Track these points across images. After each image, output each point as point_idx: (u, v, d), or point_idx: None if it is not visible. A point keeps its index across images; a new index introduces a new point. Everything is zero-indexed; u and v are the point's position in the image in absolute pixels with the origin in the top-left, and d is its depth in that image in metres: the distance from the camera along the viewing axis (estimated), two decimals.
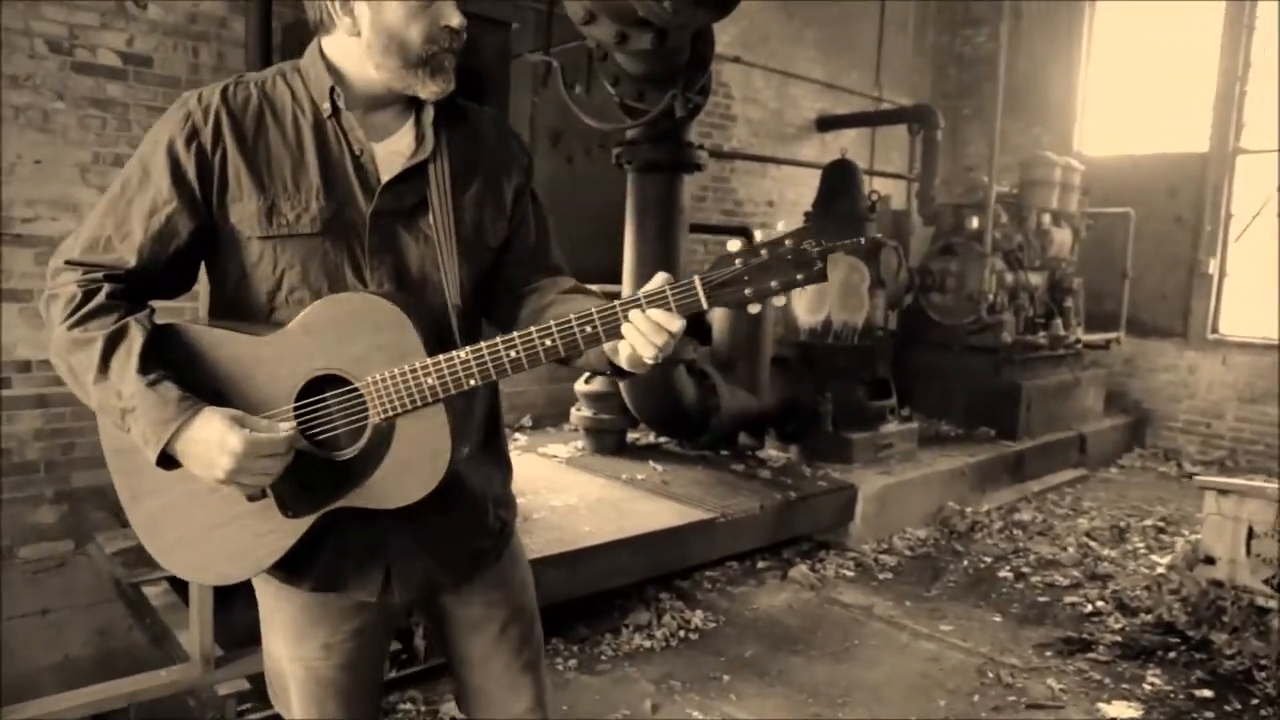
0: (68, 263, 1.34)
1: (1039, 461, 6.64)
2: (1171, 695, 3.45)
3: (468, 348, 1.29)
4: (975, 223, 6.95)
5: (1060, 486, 6.54)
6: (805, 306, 5.95)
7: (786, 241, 1.22)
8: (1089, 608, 4.29)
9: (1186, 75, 7.87)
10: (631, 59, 3.22)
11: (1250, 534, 4.07)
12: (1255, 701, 3.43)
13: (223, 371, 1.33)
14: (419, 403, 1.30)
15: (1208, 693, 3.47)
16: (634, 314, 1.25)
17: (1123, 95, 8.43)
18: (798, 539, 4.93)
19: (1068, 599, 4.40)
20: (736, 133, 7.51)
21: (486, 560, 1.58)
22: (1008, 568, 4.82)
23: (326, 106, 1.39)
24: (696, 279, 1.24)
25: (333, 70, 1.40)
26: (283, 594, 1.50)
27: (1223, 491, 4.22)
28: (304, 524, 1.36)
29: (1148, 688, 3.51)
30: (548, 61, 3.50)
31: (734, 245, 1.24)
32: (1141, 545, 5.26)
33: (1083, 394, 7.46)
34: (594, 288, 1.55)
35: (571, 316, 1.27)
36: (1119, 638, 3.93)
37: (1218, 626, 3.95)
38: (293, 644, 1.53)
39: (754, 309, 1.25)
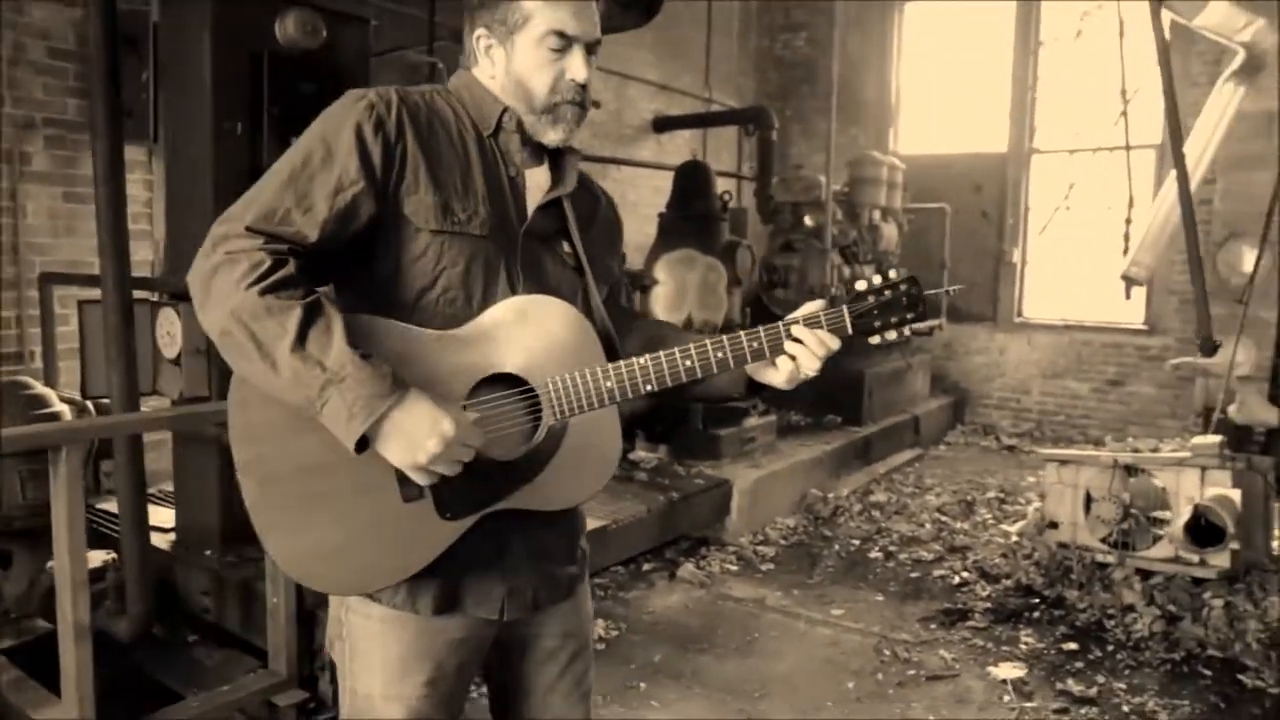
0: (249, 229, 1.28)
1: (883, 445, 7.05)
2: (1045, 651, 3.75)
3: (646, 355, 1.39)
4: (812, 220, 7.28)
5: (902, 467, 6.97)
6: (665, 306, 6.02)
7: (902, 285, 1.43)
8: (956, 579, 4.59)
9: (987, 79, 8.57)
10: None
11: (1088, 498, 4.48)
12: (1111, 647, 3.78)
13: (393, 363, 1.29)
14: (596, 405, 1.38)
15: (1073, 645, 3.80)
16: (801, 331, 1.41)
17: (932, 97, 9.07)
18: (678, 538, 4.99)
19: (935, 573, 4.70)
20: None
21: (575, 585, 1.60)
22: (876, 548, 5.08)
23: (490, 126, 1.46)
24: (845, 308, 1.42)
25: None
26: (392, 623, 1.44)
27: (1063, 462, 4.63)
28: (460, 527, 1.36)
29: (1024, 647, 3.80)
30: (432, 62, 3.35)
31: (861, 285, 1.43)
32: (989, 516, 5.69)
33: (913, 379, 7.98)
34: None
35: (741, 334, 1.41)
36: (989, 604, 4.23)
37: (1068, 584, 4.33)
38: (395, 680, 1.45)
39: (874, 340, 1.45)
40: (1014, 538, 4.85)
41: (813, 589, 4.48)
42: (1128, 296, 6.93)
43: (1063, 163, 8.28)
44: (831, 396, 7.00)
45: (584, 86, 1.46)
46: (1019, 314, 8.56)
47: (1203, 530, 4.02)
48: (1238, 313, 6.98)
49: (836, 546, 5.12)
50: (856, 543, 5.18)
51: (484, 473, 1.34)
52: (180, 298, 3.16)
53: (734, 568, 4.74)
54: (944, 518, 5.63)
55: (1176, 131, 3.54)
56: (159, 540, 3.42)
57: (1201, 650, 3.71)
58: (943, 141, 8.94)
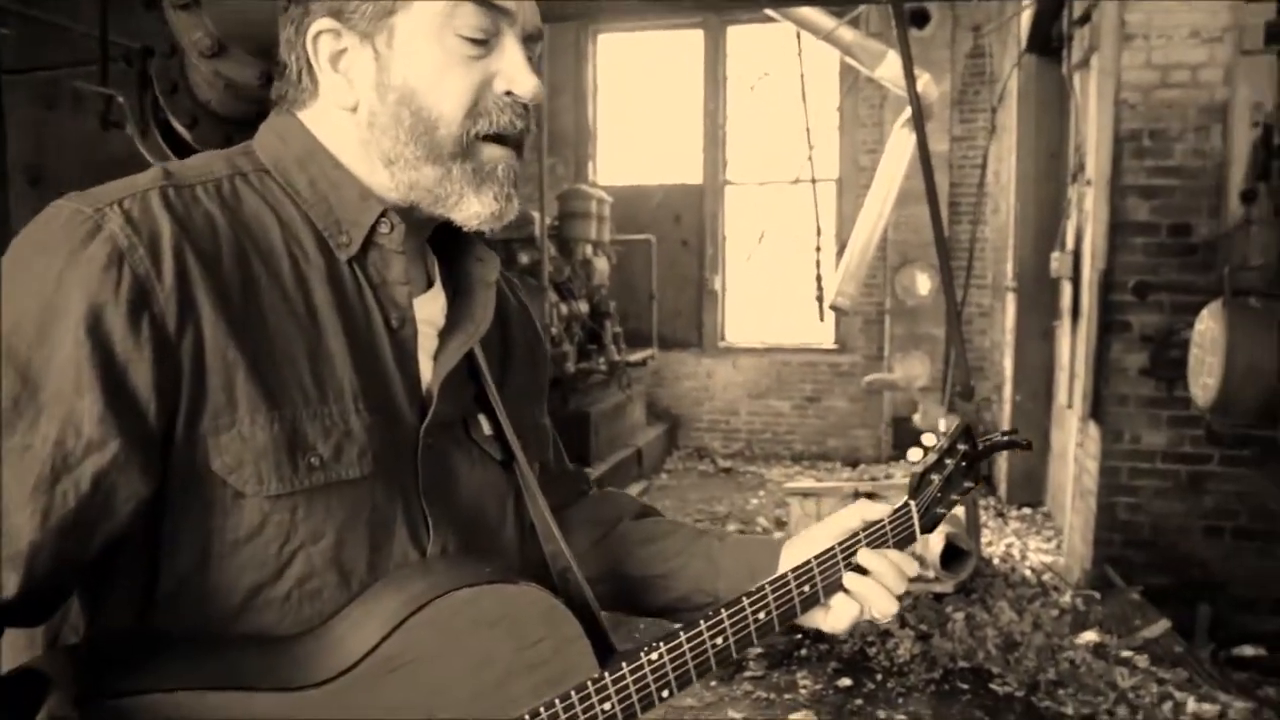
0: None
1: (613, 481, 6.96)
2: (824, 693, 3.79)
3: (660, 644, 0.87)
4: (526, 258, 7.05)
5: None
6: None
7: (961, 447, 1.04)
8: None
9: (681, 111, 8.87)
10: (240, 100, 2.58)
11: None
12: (880, 676, 3.91)
13: None
14: None
15: (847, 680, 3.87)
16: (867, 558, 0.96)
17: (630, 128, 9.23)
18: None
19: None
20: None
21: None
22: None
23: (348, 239, 0.84)
24: (913, 506, 1.01)
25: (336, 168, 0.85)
26: None
27: (805, 495, 4.78)
28: None
29: (804, 692, 3.81)
30: (108, 95, 2.66)
31: (915, 455, 1.01)
32: None
33: (632, 410, 8.02)
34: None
35: (789, 575, 0.94)
36: (760, 649, 4.23)
37: None
38: None
39: (929, 535, 1.03)
40: None
41: None
42: (821, 319, 7.45)
43: (755, 194, 8.77)
44: (560, 437, 6.80)
45: (526, 107, 0.87)
46: (723, 338, 8.93)
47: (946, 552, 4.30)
48: (915, 330, 7.73)
49: None
50: None
51: None
52: None
53: None
54: None
55: (930, 184, 3.71)
56: None
57: (954, 664, 3.94)
58: (642, 172, 9.12)
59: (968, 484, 1.06)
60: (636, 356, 8.34)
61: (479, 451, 0.93)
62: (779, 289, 8.67)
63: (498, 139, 0.86)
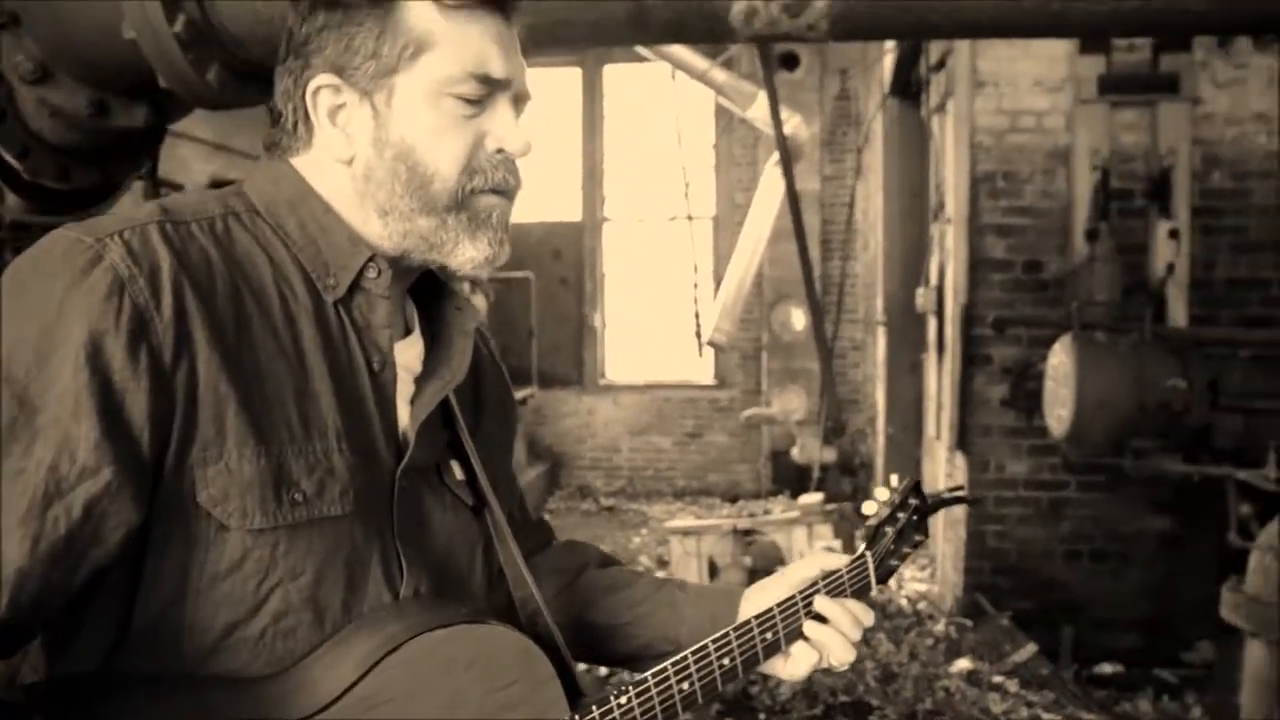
0: None
1: None
2: None
3: (629, 686, 0.90)
4: None
5: None
6: None
7: (912, 501, 1.11)
8: (602, 669, 4.46)
9: (559, 148, 8.87)
10: (73, 130, 2.40)
11: (712, 565, 4.65)
12: (762, 716, 3.89)
13: None
14: None
15: None
16: (826, 605, 1.00)
17: None
18: None
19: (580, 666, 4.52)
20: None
21: None
22: None
23: (335, 281, 0.86)
24: (869, 556, 1.07)
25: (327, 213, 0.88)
26: None
27: (685, 533, 4.76)
28: None
29: None
30: None
31: (870, 508, 1.12)
32: None
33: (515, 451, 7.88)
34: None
35: (752, 621, 0.99)
36: None
37: None
38: None
39: (884, 585, 1.10)
40: None
41: None
42: (700, 355, 7.52)
43: (633, 230, 8.81)
44: None
45: (513, 165, 0.91)
46: (603, 376, 8.90)
47: None
48: (791, 364, 7.87)
49: None
50: None
51: None
52: None
53: None
54: None
55: (798, 222, 3.78)
56: None
57: (835, 698, 3.95)
58: (521, 209, 8.92)
59: (918, 537, 1.11)
60: (516, 395, 8.22)
61: (451, 497, 0.94)
62: (658, 325, 8.71)
63: (493, 191, 0.89)
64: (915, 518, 1.11)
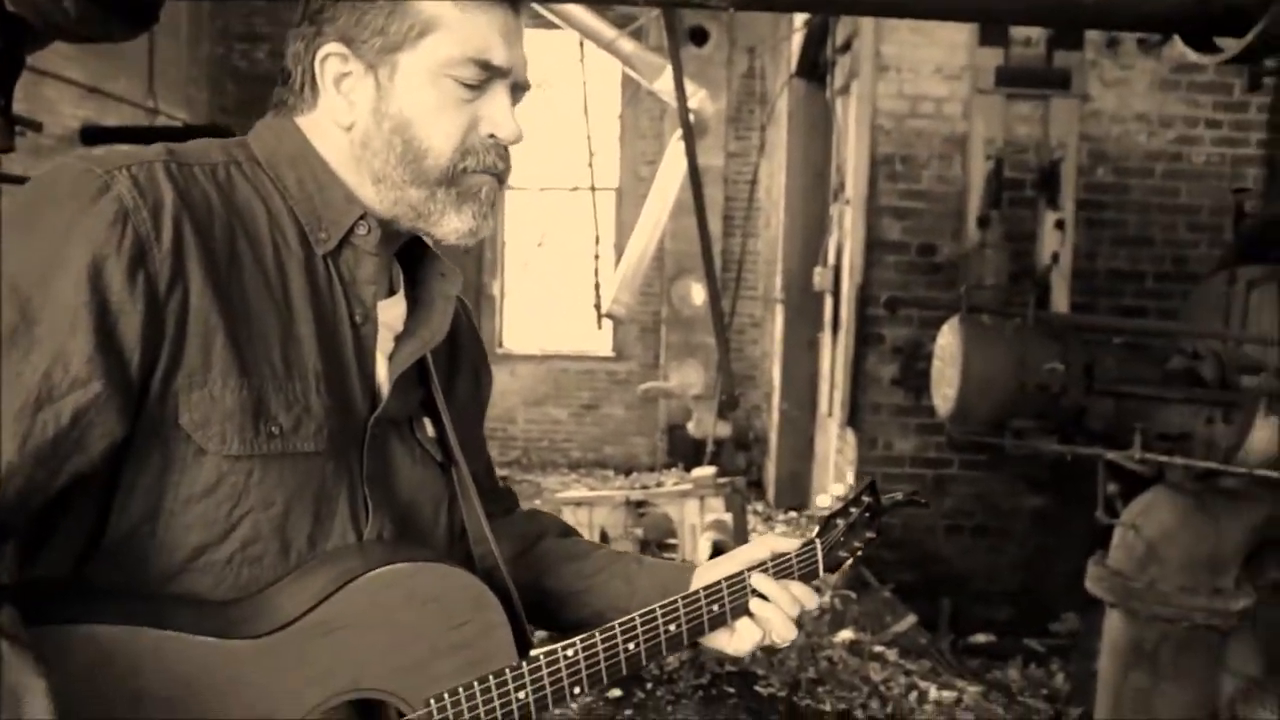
0: None
1: None
2: (594, 705, 3.74)
3: (576, 640, 0.95)
4: None
5: None
6: None
7: (865, 498, 1.17)
8: None
9: None
10: None
11: (604, 535, 4.64)
12: (650, 684, 3.91)
13: (162, 708, 0.76)
14: None
15: (618, 691, 3.85)
16: (763, 583, 1.05)
17: None
18: None
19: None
20: None
21: None
22: None
23: (327, 235, 0.91)
24: (818, 543, 1.12)
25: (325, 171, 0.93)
26: None
27: (578, 503, 4.73)
28: None
29: (574, 705, 3.74)
30: None
31: (824, 500, 0.99)
32: None
33: None
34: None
35: (700, 592, 1.03)
36: None
37: None
38: None
39: (832, 574, 1.16)
40: None
41: None
42: (599, 327, 7.49)
43: (536, 200, 8.68)
44: None
45: (505, 150, 0.96)
46: (500, 345, 8.78)
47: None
48: (690, 339, 7.91)
49: None
50: None
51: None
52: None
53: None
54: None
55: (699, 196, 3.76)
56: None
57: (721, 668, 4.01)
58: None
59: (869, 534, 1.16)
60: None
61: (421, 451, 0.99)
62: (558, 296, 8.63)
63: (481, 174, 0.94)
64: (867, 515, 1.16)
